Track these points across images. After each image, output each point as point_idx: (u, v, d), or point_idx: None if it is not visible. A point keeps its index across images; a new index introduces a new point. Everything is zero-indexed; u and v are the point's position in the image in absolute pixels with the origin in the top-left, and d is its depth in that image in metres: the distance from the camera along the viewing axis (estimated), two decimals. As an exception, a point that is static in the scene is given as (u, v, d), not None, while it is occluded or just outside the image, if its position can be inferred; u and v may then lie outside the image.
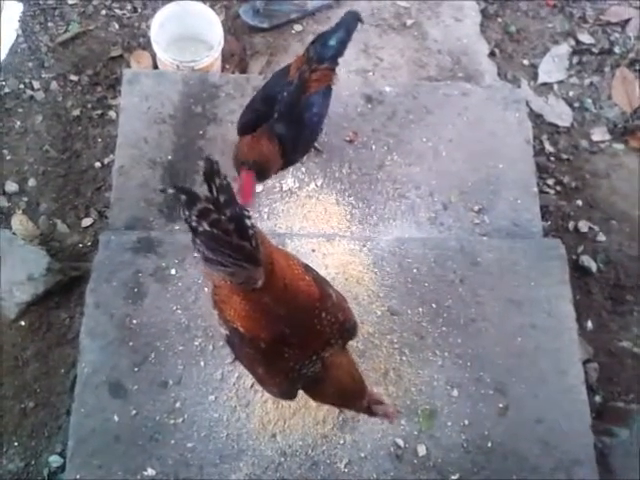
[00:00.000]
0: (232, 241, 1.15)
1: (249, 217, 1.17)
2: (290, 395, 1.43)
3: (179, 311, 1.78)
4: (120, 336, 1.73)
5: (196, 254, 1.22)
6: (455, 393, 1.71)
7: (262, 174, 1.76)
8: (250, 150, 1.73)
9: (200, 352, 1.73)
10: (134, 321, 1.75)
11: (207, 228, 1.13)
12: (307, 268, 1.42)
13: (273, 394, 1.47)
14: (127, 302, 1.77)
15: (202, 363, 1.71)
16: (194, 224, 1.14)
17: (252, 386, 1.68)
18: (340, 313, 1.38)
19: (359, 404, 1.39)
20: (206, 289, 1.82)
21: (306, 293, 1.33)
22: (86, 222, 2.19)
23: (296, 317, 1.30)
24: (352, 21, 1.82)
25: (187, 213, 1.14)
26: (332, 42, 1.76)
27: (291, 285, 1.30)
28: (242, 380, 1.70)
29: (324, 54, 1.75)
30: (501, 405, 1.71)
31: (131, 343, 1.72)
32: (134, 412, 1.65)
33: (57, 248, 2.13)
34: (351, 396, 1.39)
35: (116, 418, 1.64)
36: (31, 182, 2.24)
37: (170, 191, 1.17)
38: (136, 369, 1.69)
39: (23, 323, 1.97)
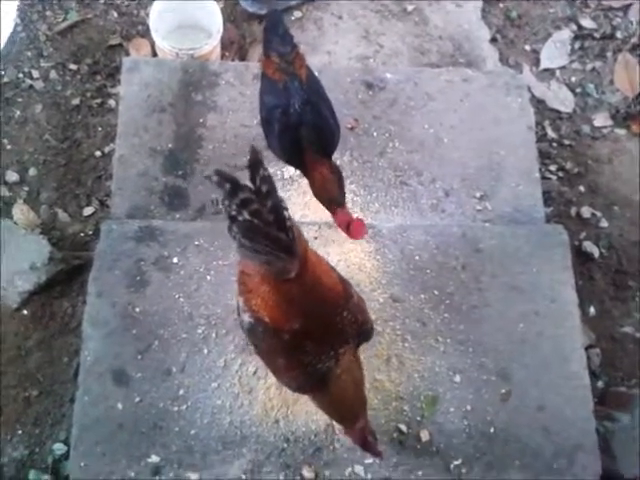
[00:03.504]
0: (270, 232, 1.16)
1: (287, 209, 1.18)
2: (304, 389, 1.44)
3: (182, 299, 1.78)
4: (123, 324, 1.73)
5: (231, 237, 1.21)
6: (457, 379, 1.72)
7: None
8: (328, 186, 1.68)
9: (203, 340, 1.73)
10: (137, 309, 1.75)
11: (247, 217, 1.14)
12: (333, 267, 1.43)
13: (289, 386, 1.47)
14: (129, 290, 1.77)
15: (205, 351, 1.72)
16: (234, 212, 1.15)
17: (255, 373, 1.69)
18: (359, 314, 1.40)
19: (354, 422, 1.40)
20: (208, 277, 1.82)
21: (332, 290, 1.35)
22: (87, 211, 2.19)
23: (321, 312, 1.31)
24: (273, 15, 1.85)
25: (227, 202, 1.15)
26: (281, 31, 1.75)
27: (320, 280, 1.31)
28: (245, 367, 1.70)
29: (286, 43, 1.74)
30: (503, 391, 1.71)
31: (134, 331, 1.72)
32: (138, 399, 1.66)
33: (58, 237, 2.13)
34: (350, 407, 1.40)
35: (120, 406, 1.65)
36: (32, 171, 2.23)
37: (214, 179, 1.15)
38: (139, 357, 1.69)
39: (25, 312, 1.98)
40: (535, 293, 1.81)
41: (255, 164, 1.15)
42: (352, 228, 1.63)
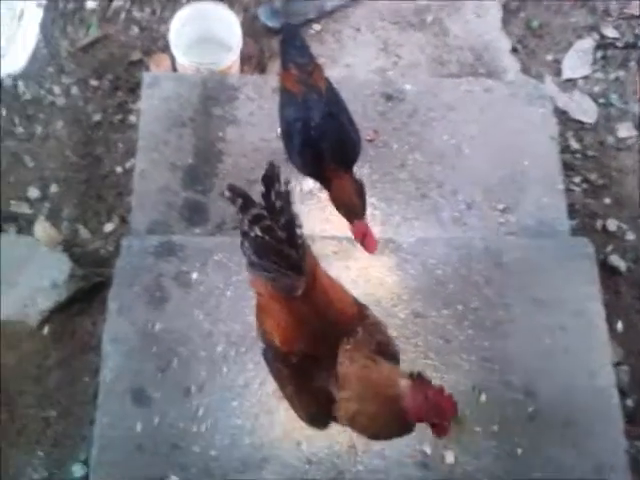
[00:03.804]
0: (281, 249, 1.15)
1: (300, 226, 1.17)
2: (320, 422, 1.37)
3: (201, 316, 1.77)
4: (143, 342, 1.72)
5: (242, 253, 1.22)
6: (483, 398, 1.68)
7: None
8: (348, 197, 1.67)
9: (223, 358, 1.71)
10: (156, 326, 1.75)
11: (258, 234, 1.14)
12: (347, 290, 1.40)
13: (303, 419, 1.41)
14: (149, 307, 1.77)
15: (225, 369, 1.70)
16: (246, 228, 1.15)
17: (275, 392, 1.66)
18: (380, 335, 1.35)
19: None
20: (228, 293, 1.81)
21: (344, 311, 1.31)
22: (108, 227, 2.20)
23: (332, 333, 1.27)
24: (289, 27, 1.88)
25: (240, 217, 1.16)
26: (298, 44, 1.76)
27: (330, 301, 1.29)
28: (265, 387, 1.68)
29: (304, 55, 1.74)
30: (530, 409, 1.67)
31: (154, 349, 1.71)
32: (157, 420, 1.64)
33: (80, 254, 2.13)
34: (388, 426, 1.26)
35: (139, 426, 1.63)
36: (53, 188, 2.25)
37: (226, 194, 1.17)
38: (159, 375, 1.68)
39: (46, 331, 1.98)
40: (561, 307, 1.77)
41: (270, 179, 1.15)
42: (366, 241, 1.64)
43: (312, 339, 1.27)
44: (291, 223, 1.16)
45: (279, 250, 1.16)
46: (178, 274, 1.83)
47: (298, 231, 1.17)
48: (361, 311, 1.35)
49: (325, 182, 1.74)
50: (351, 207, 1.67)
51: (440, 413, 1.19)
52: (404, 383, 1.20)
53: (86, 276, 2.02)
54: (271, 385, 1.66)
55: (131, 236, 1.94)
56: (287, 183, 1.17)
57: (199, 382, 1.68)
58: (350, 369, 1.24)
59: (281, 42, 1.81)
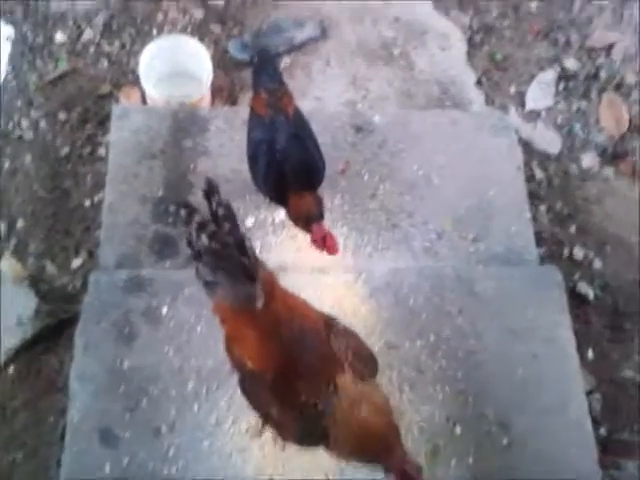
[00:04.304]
0: (231, 254, 1.16)
1: (246, 236, 1.21)
2: (310, 440, 1.33)
3: (171, 352, 1.73)
4: (111, 380, 1.68)
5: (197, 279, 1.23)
6: (458, 430, 1.67)
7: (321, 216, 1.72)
8: (305, 208, 1.70)
9: (194, 396, 1.68)
10: (125, 364, 1.70)
11: (206, 242, 1.15)
12: (308, 302, 1.39)
13: (294, 441, 1.38)
14: (118, 344, 1.73)
15: (196, 407, 1.66)
16: (194, 241, 1.17)
17: (248, 430, 1.63)
18: (352, 339, 1.34)
19: (389, 456, 1.23)
20: (199, 328, 1.78)
21: (310, 317, 1.31)
22: (76, 263, 2.15)
23: (303, 341, 1.27)
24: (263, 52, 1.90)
25: (188, 231, 1.18)
26: (270, 70, 1.79)
27: (294, 308, 1.29)
28: (237, 424, 1.64)
29: (275, 80, 1.77)
30: (505, 441, 1.66)
31: (122, 387, 1.67)
32: (126, 461, 1.59)
33: (46, 290, 2.08)
34: (377, 439, 1.23)
35: (107, 468, 1.58)
36: (20, 223, 2.21)
37: (171, 209, 1.18)
38: (128, 415, 1.64)
39: (11, 371, 1.92)
40: (533, 336, 1.78)
41: (210, 191, 1.18)
42: (326, 244, 1.66)
43: (283, 352, 1.26)
44: (236, 229, 1.18)
45: (229, 256, 1.17)
46: (147, 309, 1.79)
47: (246, 238, 1.20)
48: (327, 319, 1.35)
49: (287, 205, 1.76)
50: (307, 214, 1.69)
51: None
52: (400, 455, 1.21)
53: (53, 312, 1.97)
54: (244, 423, 1.63)
55: (99, 271, 1.90)
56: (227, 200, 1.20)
57: (169, 421, 1.64)
58: (347, 419, 1.23)
59: (253, 67, 1.83)
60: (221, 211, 1.18)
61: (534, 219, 2.18)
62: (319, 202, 1.73)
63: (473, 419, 1.67)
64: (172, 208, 1.21)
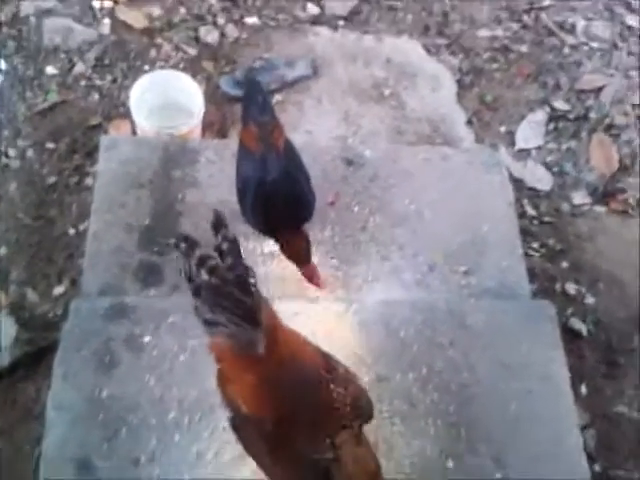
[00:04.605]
0: (233, 293, 1.10)
1: (252, 273, 1.15)
2: None
3: (152, 381, 1.67)
4: (89, 409, 1.60)
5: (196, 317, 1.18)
6: (450, 464, 1.60)
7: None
8: (293, 251, 1.77)
9: (175, 426, 1.60)
10: (104, 393, 1.63)
11: (205, 277, 1.10)
12: (310, 341, 1.34)
13: None
14: (97, 373, 1.66)
15: (177, 438, 1.59)
16: (194, 275, 1.11)
17: (231, 461, 1.56)
18: (351, 386, 1.28)
19: None
20: (182, 357, 1.72)
21: (312, 363, 1.24)
22: (58, 290, 2.11)
23: (304, 391, 1.20)
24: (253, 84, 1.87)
25: (187, 264, 1.12)
26: (260, 100, 1.76)
27: (296, 354, 1.22)
28: (220, 456, 1.57)
29: (265, 112, 1.75)
30: (499, 476, 1.60)
31: (101, 416, 1.60)
32: (102, 493, 1.51)
33: (26, 317, 2.03)
34: None
35: (82, 501, 1.50)
36: (2, 250, 2.17)
37: (171, 242, 1.16)
38: (106, 445, 1.56)
39: (-14, 398, 1.85)
40: (526, 371, 1.74)
41: (218, 224, 1.14)
42: (314, 282, 1.77)
43: (282, 399, 1.19)
44: (240, 266, 1.13)
45: (230, 294, 1.11)
46: (129, 337, 1.74)
47: (250, 276, 1.14)
48: (328, 362, 1.28)
49: (276, 237, 1.77)
50: (299, 256, 1.75)
51: None
52: None
53: (32, 340, 1.92)
54: (227, 454, 1.56)
55: (80, 298, 1.85)
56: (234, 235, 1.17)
57: (149, 451, 1.56)
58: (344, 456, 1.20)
59: (243, 98, 1.83)
60: (226, 245, 1.13)
61: (526, 255, 2.16)
62: (307, 244, 1.75)
63: (466, 453, 1.60)
64: (170, 241, 1.16)
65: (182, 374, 1.68)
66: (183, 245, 1.13)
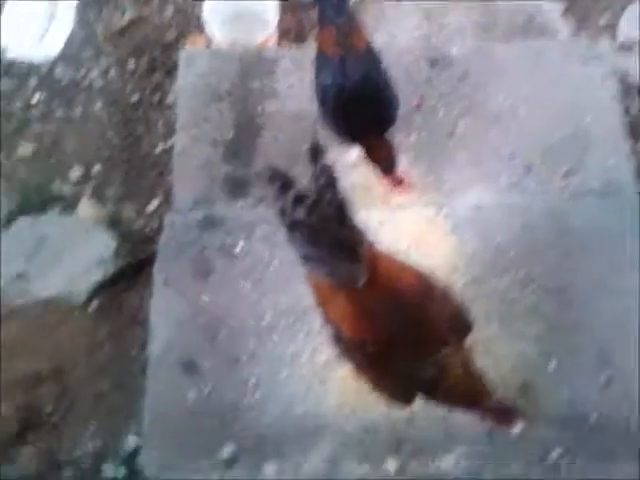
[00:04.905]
0: (332, 231, 1.05)
1: (350, 207, 1.07)
2: (405, 400, 1.29)
3: (248, 287, 1.71)
4: (190, 314, 1.67)
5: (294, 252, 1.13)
6: (552, 365, 1.56)
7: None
8: (376, 160, 1.70)
9: (271, 328, 1.65)
10: (203, 298, 1.69)
11: (303, 216, 1.04)
12: (405, 262, 1.29)
13: (389, 401, 1.33)
14: (195, 279, 1.72)
15: (275, 338, 1.64)
16: (289, 214, 1.05)
17: (327, 362, 1.59)
18: (449, 305, 1.26)
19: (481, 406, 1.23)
20: (274, 264, 1.74)
21: (411, 288, 1.21)
22: (152, 206, 2.16)
23: (403, 315, 1.17)
24: None
25: (282, 201, 1.05)
26: (336, 2, 1.63)
27: (396, 282, 1.18)
28: (317, 356, 1.61)
29: (342, 13, 1.63)
30: (605, 376, 1.55)
31: (201, 320, 1.66)
32: (208, 389, 1.59)
33: (124, 232, 2.10)
34: (471, 399, 1.25)
35: (191, 396, 1.59)
36: (96, 168, 2.23)
37: (265, 175, 1.08)
38: (208, 346, 1.63)
39: (93, 306, 1.95)
40: (633, 270, 1.64)
41: (315, 154, 1.05)
42: (402, 187, 1.69)
43: (384, 325, 1.17)
44: (339, 202, 1.05)
45: (329, 233, 1.05)
46: (223, 246, 1.77)
47: (348, 212, 1.06)
48: (426, 283, 1.25)
49: (359, 144, 1.71)
50: (384, 163, 1.68)
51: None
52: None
53: (132, 252, 1.99)
54: (324, 355, 1.59)
55: (173, 212, 1.89)
56: (330, 162, 1.08)
57: (248, 352, 1.62)
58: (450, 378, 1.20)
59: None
60: (323, 180, 1.04)
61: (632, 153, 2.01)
62: (391, 150, 1.68)
63: (569, 354, 1.56)
64: (266, 176, 1.09)
65: (275, 280, 1.71)
66: (278, 182, 1.05)
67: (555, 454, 1.49)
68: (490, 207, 1.79)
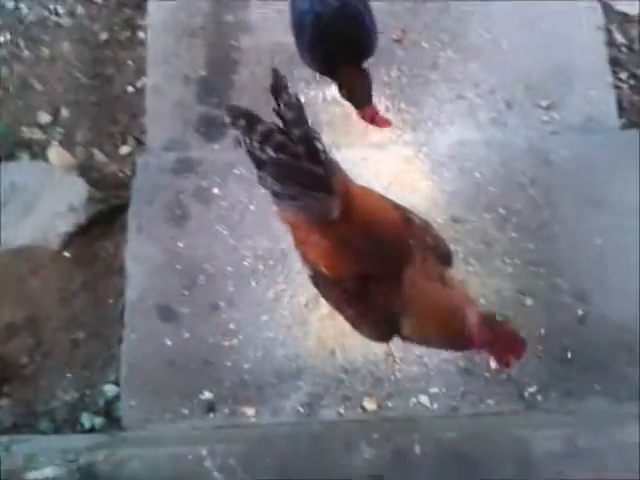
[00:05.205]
0: (303, 166, 1.01)
1: (319, 139, 1.03)
2: (385, 337, 1.28)
3: (225, 232, 1.69)
4: (166, 260, 1.65)
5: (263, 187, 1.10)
6: (529, 302, 1.57)
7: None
8: (353, 91, 1.62)
9: (250, 272, 1.64)
10: (179, 244, 1.67)
11: (273, 154, 1.00)
12: (383, 196, 1.28)
13: (369, 337, 1.31)
14: (171, 224, 1.69)
15: (253, 283, 1.62)
16: (257, 152, 1.02)
17: (307, 304, 1.58)
18: (428, 237, 1.22)
19: (463, 330, 1.12)
20: (251, 207, 1.71)
21: (387, 221, 1.19)
22: (124, 150, 2.09)
23: (381, 248, 1.15)
24: None
25: (248, 140, 1.01)
26: None
27: (372, 214, 1.16)
28: (296, 299, 1.60)
29: None
30: (581, 312, 1.56)
31: (178, 266, 1.65)
32: (187, 335, 1.59)
33: (96, 178, 2.04)
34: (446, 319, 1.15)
35: (169, 343, 1.59)
36: (64, 112, 2.14)
37: (226, 118, 1.04)
38: (185, 292, 1.62)
39: (67, 254, 1.91)
40: (613, 205, 1.64)
41: (277, 88, 1.02)
42: (377, 121, 1.60)
43: (361, 259, 1.15)
44: (308, 135, 1.02)
45: (300, 168, 1.02)
46: (198, 190, 1.74)
47: (318, 144, 1.03)
48: (404, 216, 1.23)
49: (335, 76, 1.64)
50: (359, 96, 1.61)
51: (508, 351, 1.11)
52: (473, 315, 1.10)
53: (104, 199, 1.93)
54: (303, 297, 1.58)
55: (146, 154, 1.84)
56: (296, 95, 1.04)
57: (227, 297, 1.61)
58: (417, 296, 1.15)
59: None
60: (290, 115, 1.01)
61: (614, 87, 1.96)
62: (367, 82, 1.62)
63: (546, 291, 1.56)
64: (227, 118, 1.04)
65: (252, 224, 1.68)
66: (242, 121, 1.02)
67: (531, 390, 1.51)
68: (470, 143, 1.76)
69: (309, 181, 1.04)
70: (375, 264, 1.16)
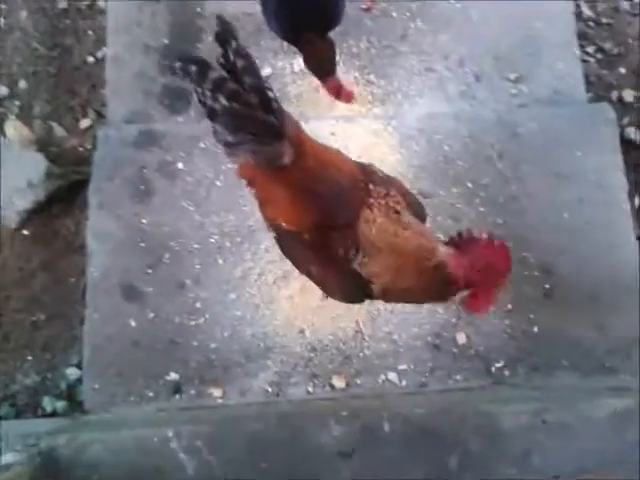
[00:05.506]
0: (256, 115, 0.99)
1: (271, 87, 1.01)
2: (355, 296, 1.24)
3: (191, 208, 1.64)
4: (129, 237, 1.61)
5: (216, 141, 1.08)
6: (496, 276, 1.57)
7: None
8: (320, 55, 1.56)
9: (217, 250, 1.60)
10: (143, 220, 1.62)
11: (225, 103, 0.98)
12: (342, 152, 1.25)
13: (337, 298, 1.28)
14: (134, 200, 1.64)
15: (220, 261, 1.59)
16: (210, 101, 0.98)
17: (275, 282, 1.56)
18: (394, 188, 1.18)
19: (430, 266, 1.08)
20: (218, 183, 1.67)
21: (343, 167, 1.17)
22: (84, 123, 2.02)
23: (338, 196, 1.13)
24: None
25: (200, 89, 0.98)
26: None
27: (327, 163, 1.15)
28: (264, 277, 1.58)
29: None
30: (547, 286, 1.57)
31: (142, 244, 1.60)
32: (152, 315, 1.55)
33: (56, 153, 1.96)
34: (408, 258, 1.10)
35: (133, 323, 1.55)
36: (22, 84, 2.06)
37: (177, 65, 0.99)
38: (150, 271, 1.58)
39: (26, 232, 1.85)
40: (581, 179, 1.64)
41: (225, 36, 0.97)
42: (341, 94, 1.56)
43: (319, 208, 1.13)
44: (259, 83, 0.99)
45: (252, 117, 1.00)
46: (162, 164, 1.69)
47: (270, 93, 1.00)
48: (364, 168, 1.20)
49: (301, 45, 1.58)
50: (321, 66, 1.56)
51: (494, 271, 1.09)
52: (443, 250, 1.07)
53: (64, 175, 1.87)
54: (271, 275, 1.56)
55: (107, 126, 1.77)
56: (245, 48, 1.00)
57: (193, 275, 1.58)
58: (377, 239, 1.10)
59: None
60: (240, 63, 0.98)
61: (582, 61, 1.96)
62: (331, 51, 1.56)
63: (513, 265, 1.56)
64: (177, 65, 0.99)
65: (219, 200, 1.65)
66: (193, 68, 0.99)
67: (498, 365, 1.52)
68: (439, 116, 1.74)
69: (261, 130, 1.03)
70: (333, 211, 1.14)
